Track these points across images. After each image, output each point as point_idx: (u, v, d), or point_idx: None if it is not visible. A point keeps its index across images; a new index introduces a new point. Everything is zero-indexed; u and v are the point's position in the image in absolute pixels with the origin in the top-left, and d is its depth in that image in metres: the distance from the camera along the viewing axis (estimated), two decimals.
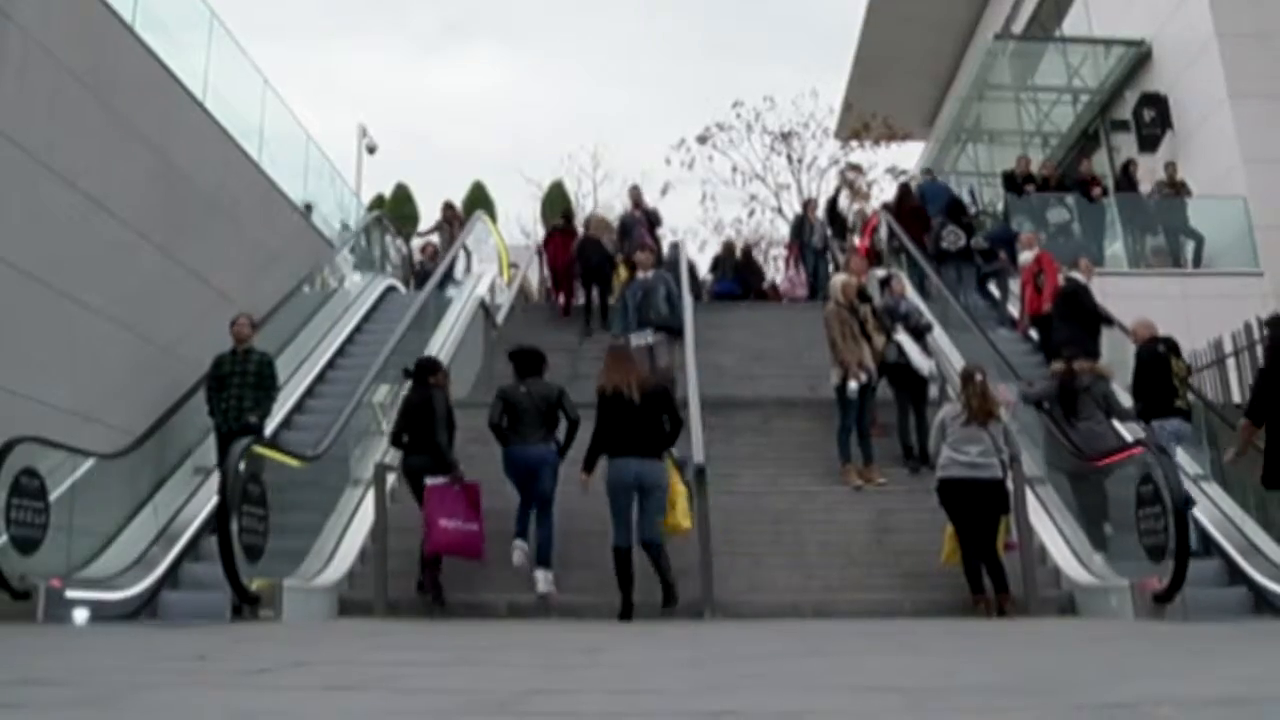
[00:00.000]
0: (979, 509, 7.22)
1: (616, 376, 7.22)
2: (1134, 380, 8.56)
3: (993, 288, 13.79)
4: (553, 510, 7.39)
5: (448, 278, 13.92)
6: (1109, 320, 10.10)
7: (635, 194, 16.13)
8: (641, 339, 10.35)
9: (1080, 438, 8.16)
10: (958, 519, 7.29)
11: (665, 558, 7.04)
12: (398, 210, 24.72)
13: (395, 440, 7.93)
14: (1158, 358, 8.42)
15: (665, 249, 15.60)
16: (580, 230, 15.10)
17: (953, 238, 13.71)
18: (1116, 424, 8.73)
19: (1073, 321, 9.94)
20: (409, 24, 55.49)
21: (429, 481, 7.34)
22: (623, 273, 13.81)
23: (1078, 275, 10.66)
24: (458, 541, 7.29)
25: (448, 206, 17.04)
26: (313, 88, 49.25)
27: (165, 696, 2.45)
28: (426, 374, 7.85)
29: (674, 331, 10.66)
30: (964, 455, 7.30)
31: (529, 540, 7.36)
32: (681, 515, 7.20)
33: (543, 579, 7.22)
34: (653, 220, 15.48)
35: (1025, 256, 11.95)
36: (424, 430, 7.51)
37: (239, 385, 8.54)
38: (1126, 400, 8.80)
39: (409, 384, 8.06)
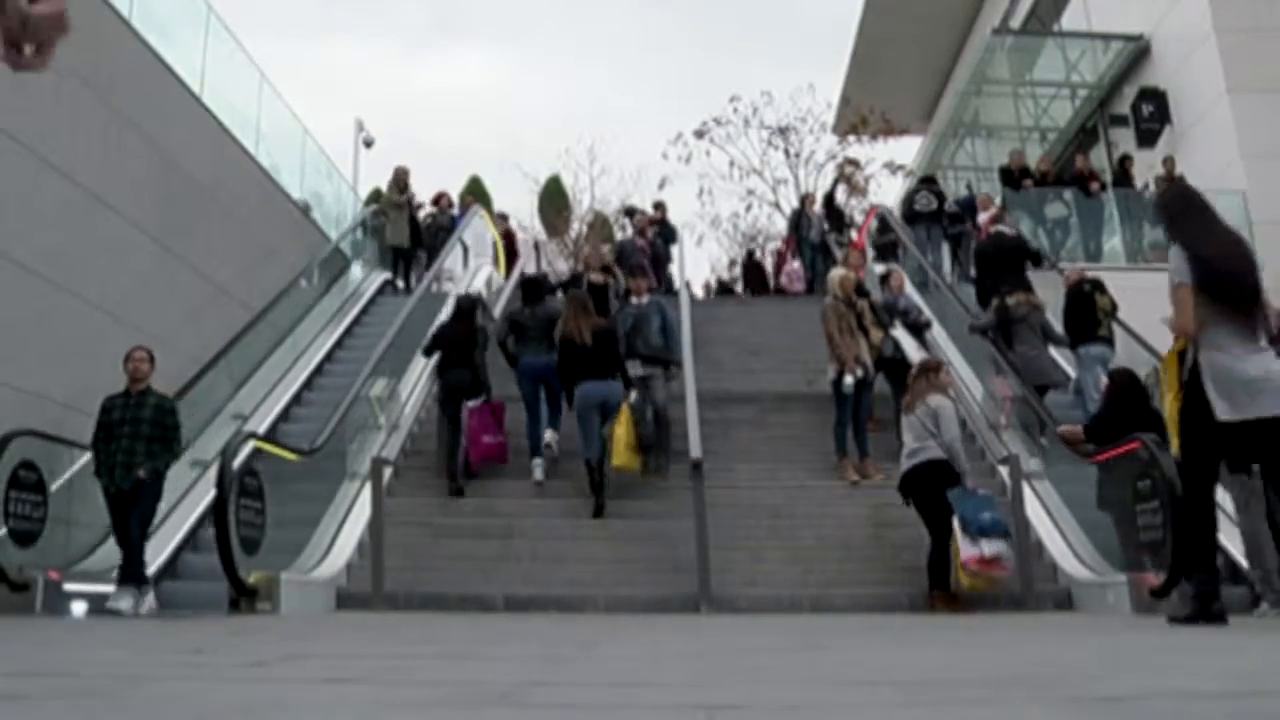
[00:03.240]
0: (928, 493, 7.26)
1: (571, 325, 8.90)
2: (1064, 314, 10.03)
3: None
4: (560, 401, 9.36)
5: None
6: (1037, 259, 11.67)
7: (640, 222, 14.63)
8: (630, 370, 9.21)
9: (1019, 360, 9.48)
10: (919, 510, 7.37)
11: (607, 477, 8.56)
12: None
13: (428, 353, 9.78)
14: (1083, 295, 9.94)
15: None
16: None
17: (925, 201, 14.72)
18: (1053, 350, 10.05)
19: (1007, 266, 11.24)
20: (404, 21, 55.46)
21: (469, 404, 9.11)
22: None
23: (1004, 229, 12.16)
24: (493, 452, 9.18)
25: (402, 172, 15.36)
26: (309, 85, 49.31)
27: (163, 689, 2.45)
28: (472, 310, 9.81)
29: (668, 363, 9.61)
30: (905, 448, 7.48)
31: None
32: (617, 455, 8.46)
33: (550, 435, 9.33)
34: (659, 252, 14.27)
35: (983, 217, 13.51)
36: (466, 355, 9.24)
37: (130, 436, 6.86)
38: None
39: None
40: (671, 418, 9.21)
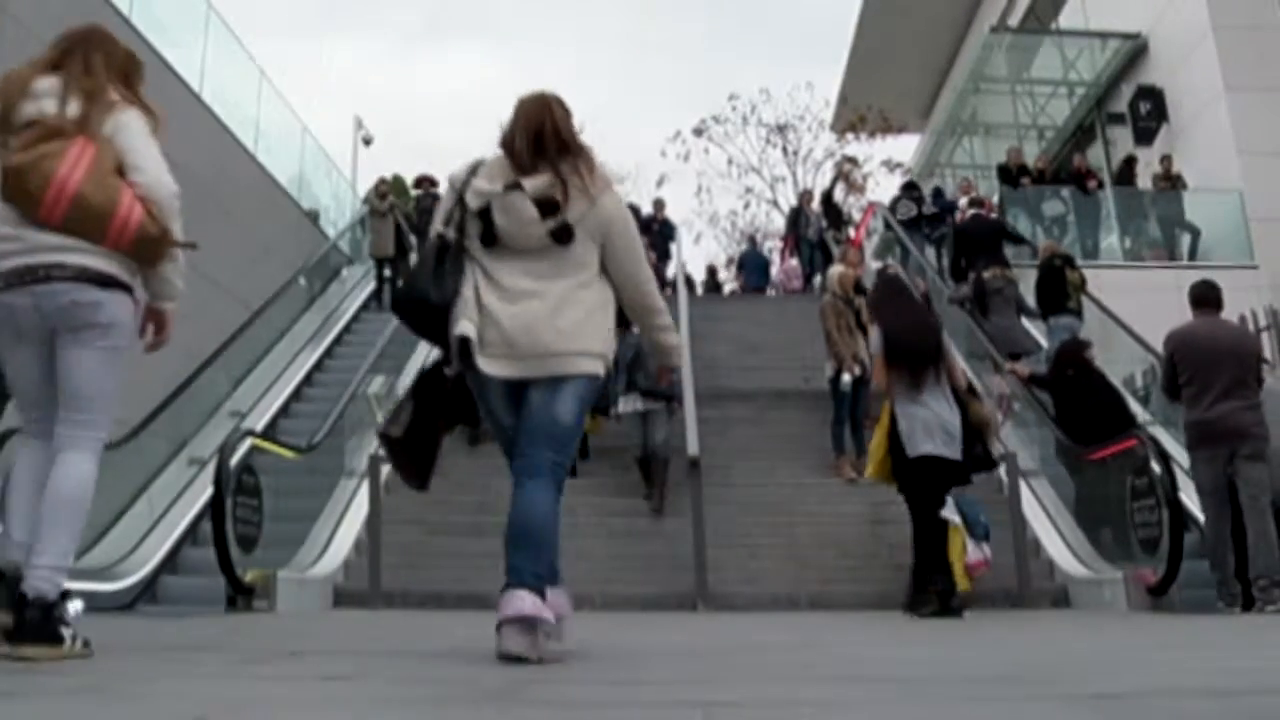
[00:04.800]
0: None
1: None
2: (1036, 288, 10.56)
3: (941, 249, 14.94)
4: None
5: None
6: (1018, 239, 12.33)
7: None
8: (630, 405, 8.96)
9: (994, 329, 10.28)
10: None
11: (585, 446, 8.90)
12: None
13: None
14: (1054, 269, 10.41)
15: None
16: None
17: (905, 209, 15.01)
18: (1025, 321, 10.72)
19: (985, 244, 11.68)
20: (403, 19, 55.42)
21: None
22: None
23: (982, 213, 12.41)
24: None
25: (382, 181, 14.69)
26: (308, 85, 49.30)
27: (161, 686, 2.45)
28: None
29: (670, 397, 9.12)
30: None
31: None
32: None
33: None
34: (660, 270, 14.10)
35: (962, 201, 13.73)
36: None
37: None
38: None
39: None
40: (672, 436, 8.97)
